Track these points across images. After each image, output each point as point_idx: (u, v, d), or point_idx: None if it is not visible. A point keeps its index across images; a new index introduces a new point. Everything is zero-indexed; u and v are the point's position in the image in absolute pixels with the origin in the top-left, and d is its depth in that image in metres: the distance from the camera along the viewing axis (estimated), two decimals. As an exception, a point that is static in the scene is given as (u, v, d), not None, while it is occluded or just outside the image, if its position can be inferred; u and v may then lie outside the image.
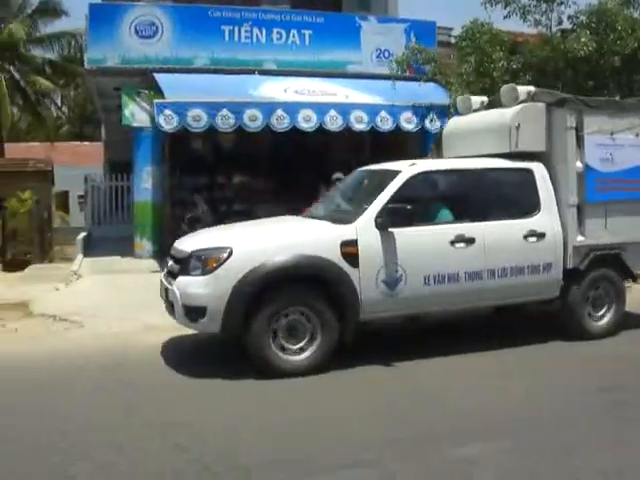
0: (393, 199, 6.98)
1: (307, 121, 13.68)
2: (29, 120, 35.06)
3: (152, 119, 13.60)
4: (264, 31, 15.63)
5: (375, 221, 6.85)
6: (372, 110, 14.22)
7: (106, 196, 19.14)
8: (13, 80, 27.99)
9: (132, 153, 14.91)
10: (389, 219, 6.82)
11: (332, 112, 13.87)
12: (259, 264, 6.41)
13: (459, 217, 7.45)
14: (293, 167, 15.99)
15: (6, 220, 16.82)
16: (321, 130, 13.95)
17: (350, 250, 6.69)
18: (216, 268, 6.43)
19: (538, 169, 7.87)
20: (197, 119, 13.13)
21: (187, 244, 7.11)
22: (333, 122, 13.87)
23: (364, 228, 6.83)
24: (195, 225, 12.25)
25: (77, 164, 30.83)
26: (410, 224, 6.97)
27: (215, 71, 15.04)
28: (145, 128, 14.31)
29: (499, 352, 7.44)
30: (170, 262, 7.21)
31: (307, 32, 15.95)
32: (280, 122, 13.51)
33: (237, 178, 17.27)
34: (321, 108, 13.88)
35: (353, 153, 16.46)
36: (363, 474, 4.46)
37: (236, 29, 15.48)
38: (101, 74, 14.97)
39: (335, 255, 6.64)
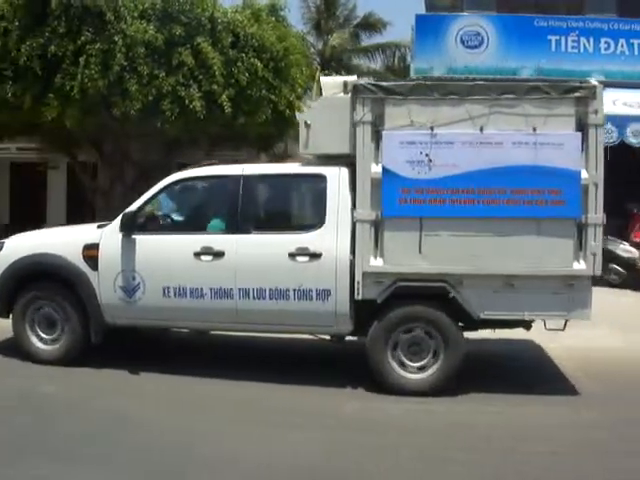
0: (146, 204, 7.02)
1: (636, 136, 13.20)
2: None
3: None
4: (591, 41, 15.29)
5: (120, 225, 6.84)
6: None
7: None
8: (338, 89, 30.06)
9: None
10: (130, 224, 6.79)
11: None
12: (18, 258, 7.10)
13: (226, 228, 6.85)
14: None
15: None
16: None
17: (91, 253, 6.90)
18: None
19: (334, 175, 6.59)
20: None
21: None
22: (664, 138, 13.13)
23: (110, 232, 6.94)
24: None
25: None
26: (155, 231, 7.00)
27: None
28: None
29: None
30: None
31: (636, 41, 15.38)
32: (608, 136, 12.90)
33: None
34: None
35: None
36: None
37: (562, 39, 15.34)
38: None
39: (77, 257, 6.91)
